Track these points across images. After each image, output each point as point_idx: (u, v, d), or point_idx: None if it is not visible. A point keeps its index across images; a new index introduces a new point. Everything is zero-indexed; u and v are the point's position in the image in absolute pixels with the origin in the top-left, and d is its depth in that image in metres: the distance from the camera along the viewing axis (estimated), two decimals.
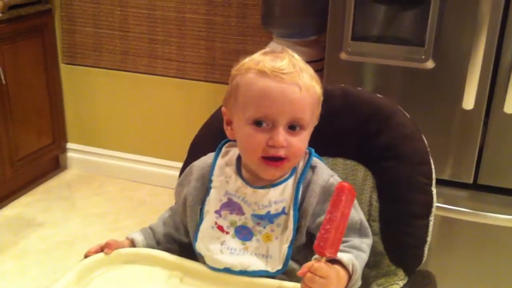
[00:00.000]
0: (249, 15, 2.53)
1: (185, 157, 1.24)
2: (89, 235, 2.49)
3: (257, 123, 0.98)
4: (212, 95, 2.68)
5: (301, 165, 1.06)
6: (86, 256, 1.07)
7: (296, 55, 1.03)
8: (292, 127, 0.99)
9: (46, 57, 2.84)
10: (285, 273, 1.00)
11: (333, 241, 0.89)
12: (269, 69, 0.97)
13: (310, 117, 1.01)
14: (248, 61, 1.02)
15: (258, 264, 1.00)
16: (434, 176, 1.14)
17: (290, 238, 1.00)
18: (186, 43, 2.68)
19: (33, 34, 2.74)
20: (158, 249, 1.10)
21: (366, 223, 1.06)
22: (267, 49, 1.04)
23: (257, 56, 1.02)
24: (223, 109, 1.08)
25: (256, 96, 0.98)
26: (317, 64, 2.09)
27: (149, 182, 2.93)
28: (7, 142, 2.64)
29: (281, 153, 0.98)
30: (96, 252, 1.07)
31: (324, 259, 0.89)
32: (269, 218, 1.01)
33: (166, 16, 2.67)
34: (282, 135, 0.97)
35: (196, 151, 1.20)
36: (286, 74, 0.97)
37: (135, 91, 2.86)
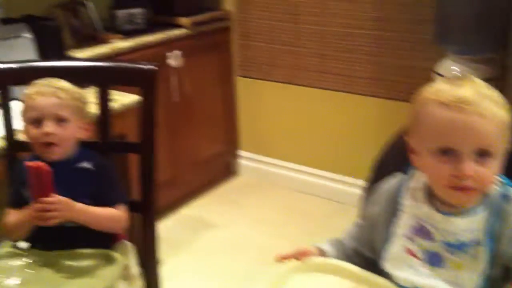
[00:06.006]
0: (418, 31, 2.50)
1: (369, 175, 1.29)
2: (255, 239, 2.62)
3: (441, 153, 0.97)
4: (378, 110, 2.70)
5: (494, 195, 1.02)
6: (278, 261, 1.13)
7: (477, 80, 0.99)
8: (480, 156, 0.95)
9: (223, 70, 3.05)
10: None
11: None
12: (450, 100, 0.95)
13: (498, 145, 0.97)
14: (428, 91, 1.01)
15: None
16: None
17: (483, 269, 0.98)
18: (353, 57, 2.72)
19: (212, 48, 2.97)
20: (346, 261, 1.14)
21: None
22: (447, 76, 1.02)
23: (437, 84, 1.01)
24: (406, 137, 1.08)
25: (437, 129, 0.97)
26: (491, 83, 2.04)
27: (314, 193, 2.96)
28: (187, 148, 2.88)
29: (469, 183, 0.95)
30: (289, 258, 1.13)
31: None
32: (460, 246, 1.00)
33: (335, 32, 2.73)
34: (468, 165, 0.94)
35: (381, 169, 1.24)
36: (468, 105, 0.94)
37: (304, 104, 2.95)
